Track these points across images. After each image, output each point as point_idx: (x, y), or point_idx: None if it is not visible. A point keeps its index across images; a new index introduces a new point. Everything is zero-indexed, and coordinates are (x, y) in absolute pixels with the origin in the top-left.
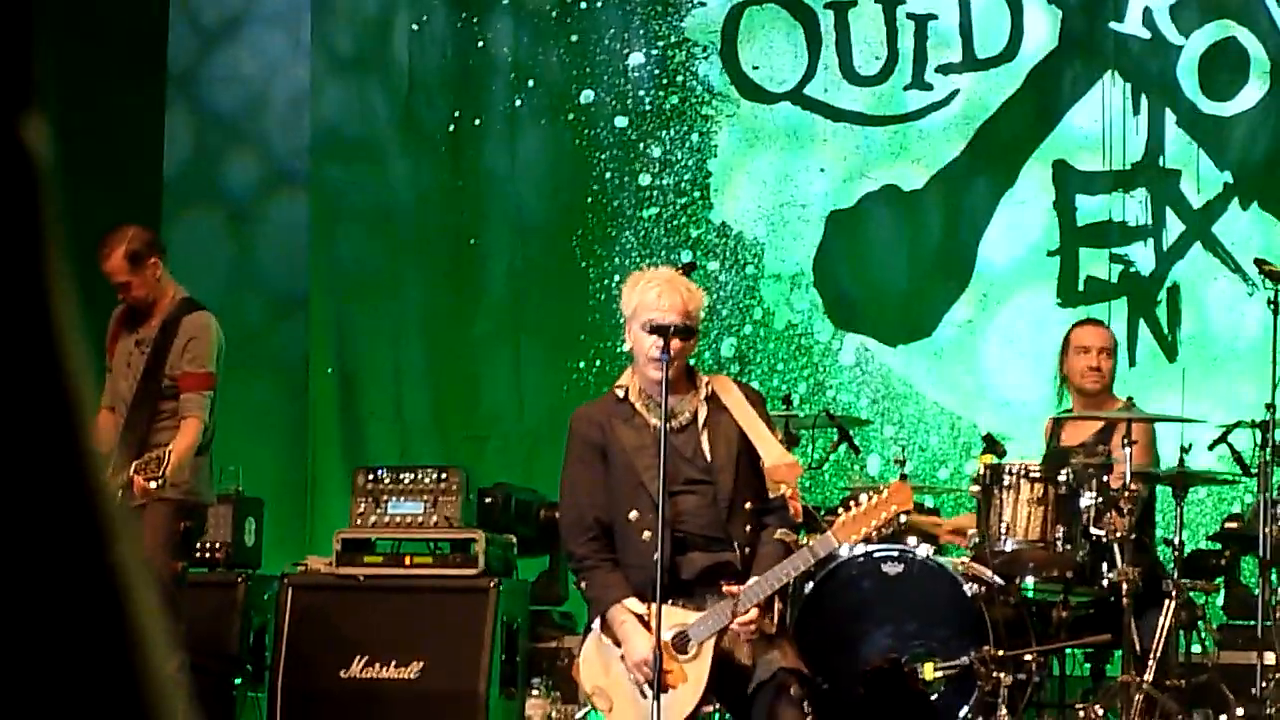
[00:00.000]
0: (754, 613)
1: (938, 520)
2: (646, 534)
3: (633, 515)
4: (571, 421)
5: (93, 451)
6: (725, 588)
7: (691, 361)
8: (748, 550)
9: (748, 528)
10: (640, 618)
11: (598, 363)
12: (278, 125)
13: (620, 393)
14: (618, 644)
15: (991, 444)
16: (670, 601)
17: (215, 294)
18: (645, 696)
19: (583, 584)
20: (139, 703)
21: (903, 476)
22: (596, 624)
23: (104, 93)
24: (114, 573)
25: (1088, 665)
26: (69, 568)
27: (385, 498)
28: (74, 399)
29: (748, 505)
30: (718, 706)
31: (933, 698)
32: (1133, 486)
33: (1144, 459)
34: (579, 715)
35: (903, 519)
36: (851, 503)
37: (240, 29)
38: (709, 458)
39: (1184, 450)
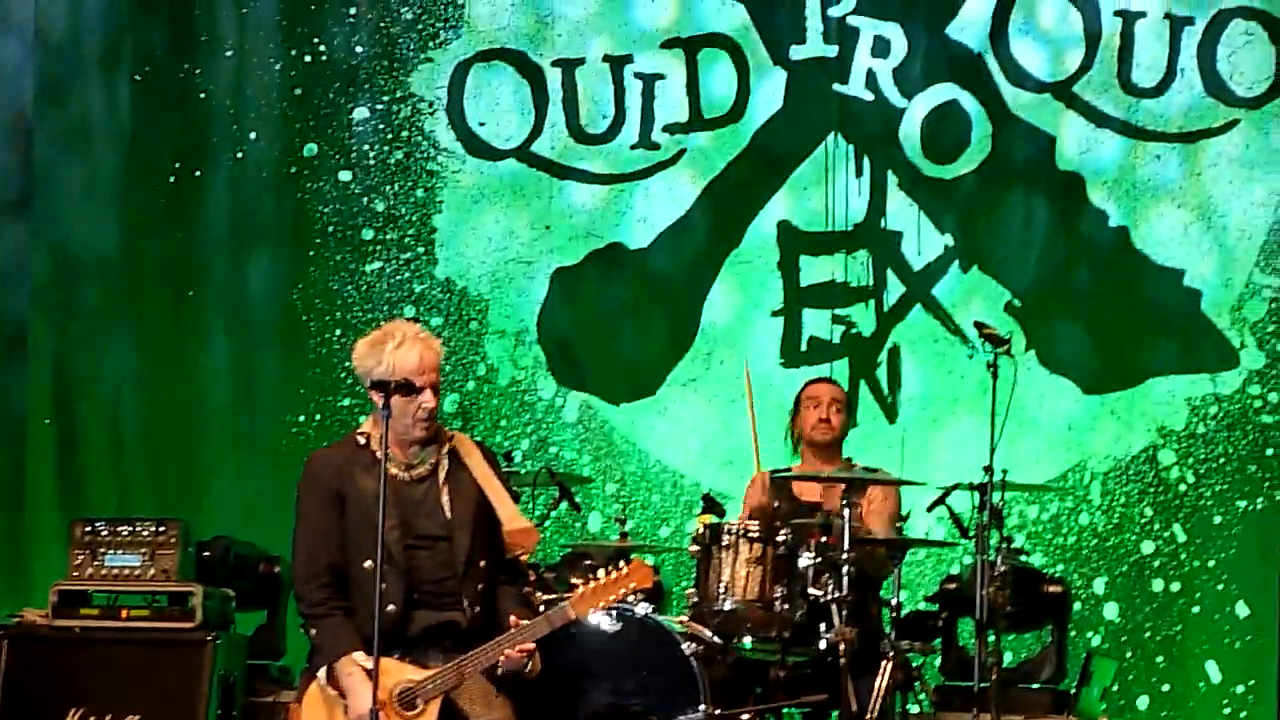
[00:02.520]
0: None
1: None
2: (383, 585)
3: (367, 564)
4: (307, 465)
5: None
6: (457, 664)
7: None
8: (478, 610)
9: (480, 586)
10: (367, 672)
11: (317, 417)
12: None
13: (361, 439)
14: (343, 695)
15: (711, 504)
16: (397, 656)
17: None
18: None
19: (312, 630)
20: None
21: (623, 535)
22: (322, 673)
23: None
24: None
25: None
26: None
27: (103, 550)
28: None
29: (483, 563)
30: None
31: None
32: (850, 551)
33: (886, 520)
34: None
35: (638, 595)
36: (590, 576)
37: None
38: (448, 514)
39: (902, 518)
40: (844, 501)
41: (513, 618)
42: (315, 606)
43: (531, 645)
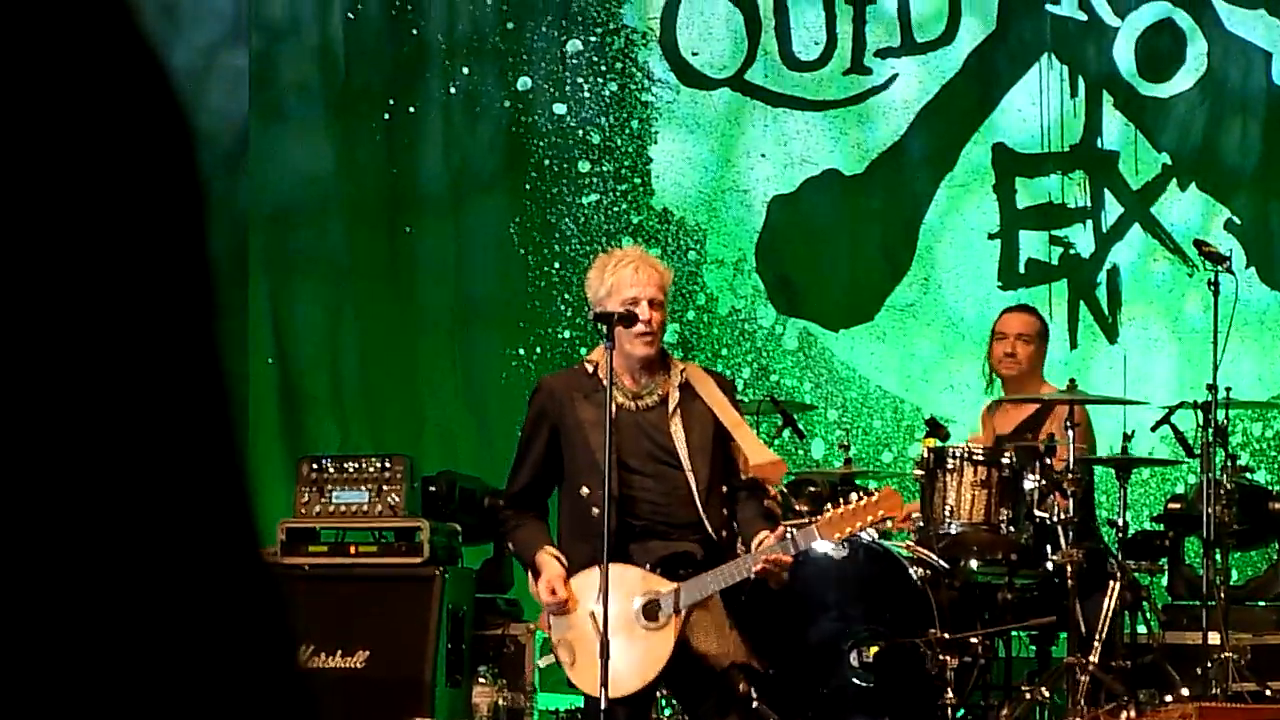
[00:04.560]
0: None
1: None
2: (595, 510)
3: (584, 490)
4: (535, 388)
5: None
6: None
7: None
8: (724, 534)
9: (723, 511)
10: (558, 559)
11: (538, 349)
12: (215, 110)
13: (590, 367)
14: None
15: (935, 427)
16: (645, 568)
17: None
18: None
19: (509, 545)
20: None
21: (847, 461)
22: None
23: None
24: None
25: (1033, 647)
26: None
27: (329, 487)
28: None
29: (723, 490)
30: (665, 693)
31: (877, 681)
32: (1074, 470)
33: (1081, 443)
34: (542, 663)
35: (888, 524)
36: (840, 500)
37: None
38: (677, 443)
39: (1126, 438)
40: (1068, 424)
41: (761, 535)
42: (506, 523)
43: (789, 560)
